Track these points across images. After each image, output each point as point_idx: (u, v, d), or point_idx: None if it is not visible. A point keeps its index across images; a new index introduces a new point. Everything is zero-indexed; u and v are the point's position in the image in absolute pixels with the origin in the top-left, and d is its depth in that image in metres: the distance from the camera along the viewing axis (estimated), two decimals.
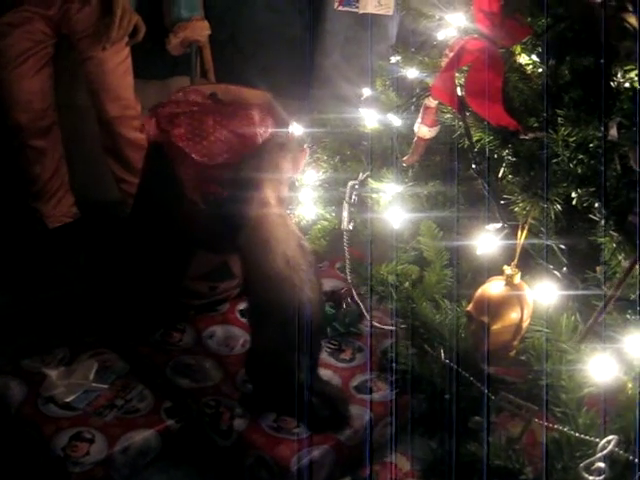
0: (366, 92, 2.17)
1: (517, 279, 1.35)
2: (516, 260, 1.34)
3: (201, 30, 2.67)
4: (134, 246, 2.02)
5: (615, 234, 1.27)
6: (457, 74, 1.44)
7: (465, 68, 1.44)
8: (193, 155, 1.80)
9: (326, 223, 1.89)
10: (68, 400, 1.78)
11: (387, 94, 2.09)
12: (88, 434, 1.70)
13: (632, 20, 1.27)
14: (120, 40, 2.46)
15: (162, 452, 1.77)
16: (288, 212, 1.90)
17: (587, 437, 1.19)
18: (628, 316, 1.34)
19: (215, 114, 1.88)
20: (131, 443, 1.71)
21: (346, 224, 1.78)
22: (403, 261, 1.65)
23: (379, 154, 1.95)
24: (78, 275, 2.31)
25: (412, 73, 1.93)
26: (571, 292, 1.36)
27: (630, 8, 1.28)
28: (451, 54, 1.40)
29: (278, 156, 1.84)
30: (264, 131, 1.87)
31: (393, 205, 1.68)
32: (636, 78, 1.29)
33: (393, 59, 2.05)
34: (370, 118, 1.94)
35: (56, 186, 2.56)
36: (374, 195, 1.74)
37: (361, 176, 1.81)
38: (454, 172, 1.61)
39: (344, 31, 2.74)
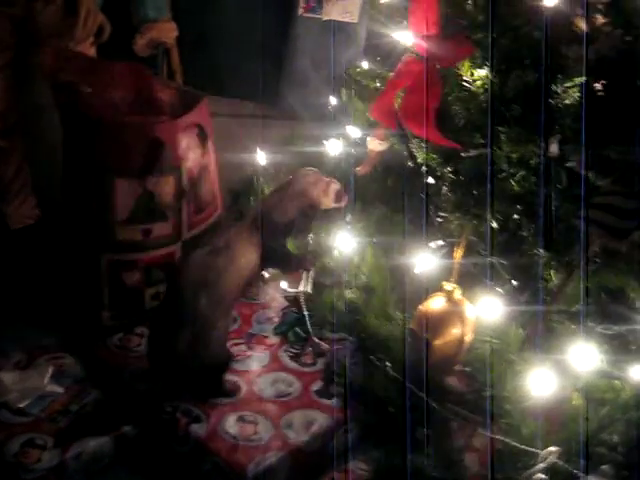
0: (333, 101, 2.18)
1: (457, 295, 1.35)
2: (455, 276, 1.34)
3: (168, 31, 2.65)
4: (64, 205, 2.12)
5: (542, 251, 1.27)
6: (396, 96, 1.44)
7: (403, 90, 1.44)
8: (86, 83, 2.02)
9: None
10: (22, 405, 1.76)
11: (353, 104, 2.10)
12: (40, 440, 1.68)
13: (582, 24, 1.28)
14: (85, 40, 2.44)
15: (117, 458, 1.75)
16: None
17: (530, 448, 1.19)
18: (573, 327, 1.34)
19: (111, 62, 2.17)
20: (85, 449, 1.69)
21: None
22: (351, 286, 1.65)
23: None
24: (38, 276, 2.29)
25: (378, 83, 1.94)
26: (515, 307, 1.36)
27: (580, 12, 1.29)
28: (393, 75, 1.40)
29: None
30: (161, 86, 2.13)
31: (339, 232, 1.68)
32: (576, 95, 1.30)
33: (360, 67, 2.06)
34: (333, 148, 1.95)
35: (18, 187, 2.53)
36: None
37: None
38: (402, 193, 1.62)
39: (313, 35, 2.74)
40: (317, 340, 1.89)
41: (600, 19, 1.40)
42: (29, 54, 2.42)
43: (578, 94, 1.29)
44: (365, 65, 2.04)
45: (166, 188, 2.04)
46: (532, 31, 1.36)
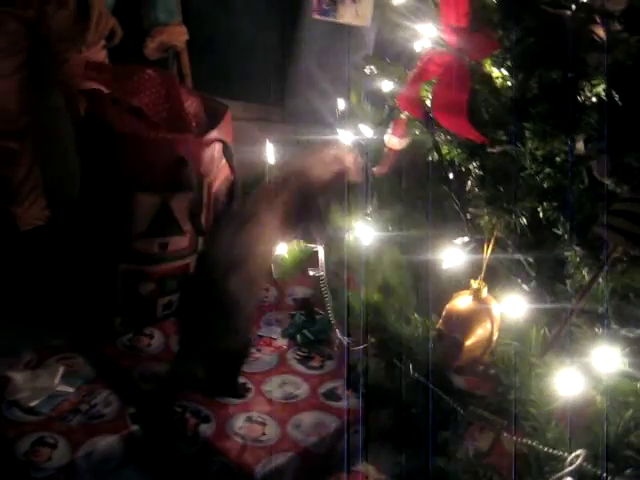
0: (341, 104, 2.19)
1: (484, 293, 1.35)
2: (483, 274, 1.34)
3: (179, 35, 2.66)
4: (81, 211, 2.11)
5: (578, 248, 1.27)
6: (426, 87, 1.44)
7: (433, 81, 1.45)
8: (116, 95, 1.96)
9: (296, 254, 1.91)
10: (32, 404, 1.75)
11: (362, 107, 2.11)
12: (51, 439, 1.68)
13: (600, 32, 1.29)
14: (96, 43, 2.44)
15: (126, 458, 1.75)
16: None
17: (555, 451, 1.19)
18: (597, 330, 1.34)
19: (139, 66, 2.10)
20: (94, 448, 1.69)
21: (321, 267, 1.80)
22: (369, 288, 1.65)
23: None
24: (48, 278, 2.29)
25: (387, 85, 1.94)
26: (539, 305, 1.36)
27: (598, 20, 1.30)
28: (418, 66, 1.41)
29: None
30: (189, 96, 2.10)
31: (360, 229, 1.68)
32: (603, 92, 1.31)
33: (367, 70, 2.07)
34: (346, 138, 1.95)
35: (29, 189, 2.54)
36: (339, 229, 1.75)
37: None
38: (425, 186, 1.62)
39: (321, 40, 2.76)
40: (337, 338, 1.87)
41: (617, 27, 1.41)
42: (42, 57, 2.43)
43: (603, 92, 1.29)
44: (373, 69, 2.05)
45: (186, 204, 2.04)
46: (552, 35, 1.36)
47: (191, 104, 2.15)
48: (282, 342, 2.05)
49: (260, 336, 2.04)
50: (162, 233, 2.05)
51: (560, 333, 1.24)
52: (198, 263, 1.93)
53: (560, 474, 1.14)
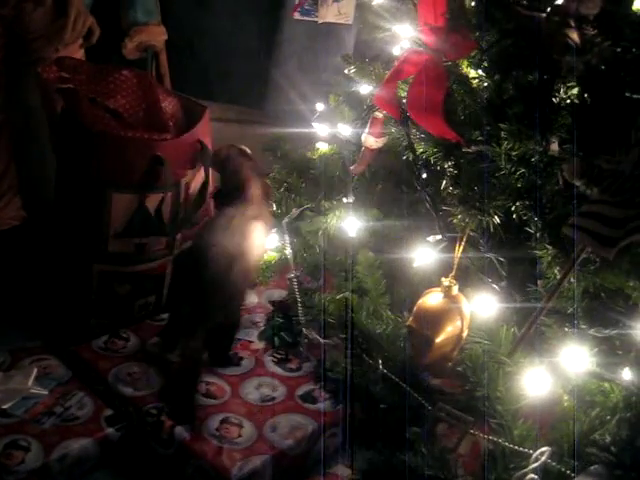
0: (319, 107, 2.19)
1: (455, 291, 1.35)
2: (454, 272, 1.34)
3: (157, 35, 2.65)
4: (57, 211, 2.10)
5: (550, 247, 1.28)
6: (402, 85, 1.44)
7: (409, 80, 1.45)
8: (92, 95, 1.89)
9: (274, 254, 1.92)
10: (5, 407, 1.73)
11: (340, 109, 2.11)
12: (24, 442, 1.66)
13: (574, 36, 1.30)
14: (74, 42, 2.43)
15: (101, 461, 1.74)
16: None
17: (521, 448, 1.20)
18: (566, 329, 1.35)
19: (116, 67, 2.05)
20: (68, 451, 1.67)
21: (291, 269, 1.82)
22: (343, 289, 1.65)
23: (326, 182, 1.98)
24: (22, 278, 2.27)
25: (365, 88, 1.94)
26: (510, 305, 1.37)
27: (572, 24, 1.30)
28: (395, 65, 1.41)
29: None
30: (166, 95, 2.07)
31: (333, 235, 1.69)
32: (574, 97, 1.32)
33: (347, 70, 2.07)
34: (322, 132, 1.96)
35: (4, 188, 2.51)
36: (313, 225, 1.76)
37: (295, 212, 1.84)
38: (399, 184, 1.62)
39: (301, 41, 2.75)
40: (310, 336, 1.87)
41: (590, 31, 1.42)
42: (19, 55, 2.41)
43: (576, 93, 1.30)
44: (352, 70, 2.05)
45: (163, 205, 2.03)
46: (528, 38, 1.37)
47: (169, 104, 2.14)
48: (259, 344, 2.04)
49: (237, 339, 2.03)
50: (138, 234, 2.04)
51: (528, 331, 1.24)
52: (198, 254, 1.87)
53: (524, 470, 1.15)
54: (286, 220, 1.88)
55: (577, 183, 1.26)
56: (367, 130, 1.66)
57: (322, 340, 1.75)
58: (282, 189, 2.06)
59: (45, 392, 1.80)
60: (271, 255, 1.98)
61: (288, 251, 1.85)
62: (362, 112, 1.86)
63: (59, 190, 2.17)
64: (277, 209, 2.01)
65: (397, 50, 1.86)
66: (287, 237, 1.87)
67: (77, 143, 2.05)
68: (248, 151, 1.99)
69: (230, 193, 1.93)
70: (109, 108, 2.01)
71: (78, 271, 2.07)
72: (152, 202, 2.02)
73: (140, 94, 2.07)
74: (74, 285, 2.09)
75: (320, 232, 1.77)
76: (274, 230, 1.97)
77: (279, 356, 2.00)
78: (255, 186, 1.92)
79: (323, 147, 2.05)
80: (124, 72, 2.08)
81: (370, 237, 1.66)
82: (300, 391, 1.88)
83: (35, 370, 1.84)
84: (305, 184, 2.02)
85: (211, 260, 1.76)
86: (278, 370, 1.95)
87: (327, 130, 2.01)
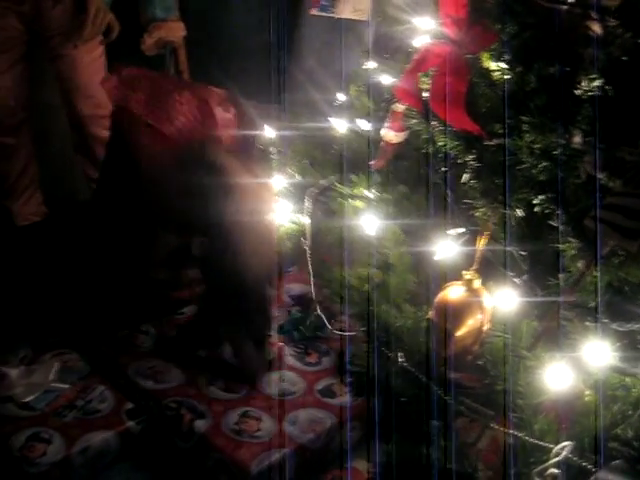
0: (340, 97, 2.18)
1: (476, 284, 1.35)
2: (475, 265, 1.34)
3: (176, 31, 2.65)
4: (97, 233, 2.02)
5: (574, 240, 1.27)
6: (423, 78, 1.44)
7: (431, 72, 1.44)
8: (149, 120, 1.78)
9: (294, 226, 1.89)
10: (27, 400, 1.75)
11: (361, 100, 2.11)
12: (46, 434, 1.67)
13: (595, 27, 1.29)
14: (93, 38, 2.44)
15: (122, 454, 1.75)
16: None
17: (542, 443, 1.19)
18: (588, 323, 1.34)
19: (177, 82, 1.87)
20: (90, 444, 1.68)
21: (307, 240, 1.80)
22: (368, 265, 1.64)
23: (349, 158, 1.96)
24: (44, 273, 2.28)
25: (385, 79, 1.94)
26: (531, 299, 1.36)
27: (594, 16, 1.29)
28: (416, 57, 1.40)
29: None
30: (224, 112, 1.86)
31: (359, 209, 1.68)
32: (595, 91, 1.31)
33: (366, 64, 2.07)
34: (340, 126, 1.95)
35: (25, 184, 2.54)
36: (340, 200, 1.75)
37: (323, 182, 1.81)
38: (421, 177, 1.62)
39: (320, 36, 2.75)
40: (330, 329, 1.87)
41: (612, 22, 1.40)
42: (39, 52, 2.43)
43: (597, 86, 1.29)
44: (372, 64, 2.04)
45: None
46: (549, 30, 1.36)
47: (227, 122, 1.97)
48: (278, 338, 2.04)
49: None
50: (179, 265, 2.05)
51: (550, 325, 1.24)
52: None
53: (545, 465, 1.14)
54: (312, 191, 1.84)
55: (599, 176, 1.25)
56: (387, 124, 1.65)
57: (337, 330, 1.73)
58: (305, 161, 2.04)
59: (66, 386, 1.81)
60: (289, 226, 1.95)
61: (306, 221, 1.82)
62: (381, 105, 1.85)
63: (101, 202, 2.12)
64: (301, 179, 1.99)
65: (417, 43, 1.85)
66: (309, 208, 1.83)
67: (128, 176, 1.96)
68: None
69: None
70: (164, 135, 1.91)
71: (111, 280, 2.05)
72: (196, 242, 2.00)
73: (199, 117, 1.95)
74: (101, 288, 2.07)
75: (347, 206, 1.75)
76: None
77: (298, 350, 2.01)
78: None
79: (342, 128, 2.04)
80: (185, 93, 1.96)
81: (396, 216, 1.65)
82: (319, 385, 1.88)
83: (56, 364, 1.85)
84: (328, 158, 2.00)
85: (243, 270, 1.73)
86: (297, 364, 1.96)
87: (345, 125, 2.00)
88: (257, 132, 1.97)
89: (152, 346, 1.97)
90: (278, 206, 1.95)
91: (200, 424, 1.72)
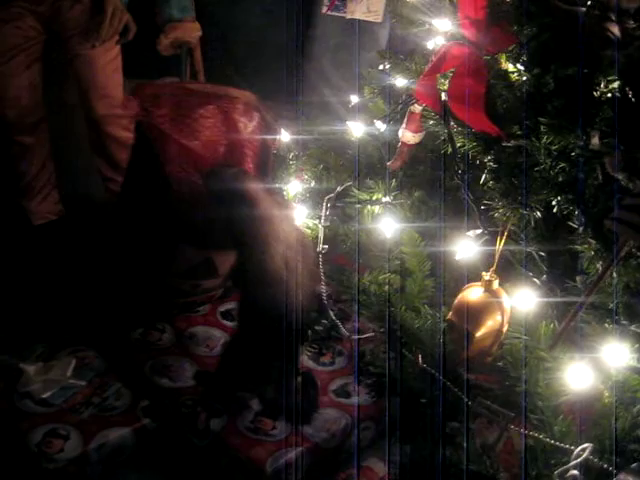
0: (354, 99, 2.19)
1: (495, 285, 1.35)
2: (494, 266, 1.34)
3: (192, 31, 2.66)
4: (118, 240, 2.01)
5: (593, 241, 1.27)
6: (442, 79, 1.44)
7: (450, 73, 1.45)
8: (174, 135, 1.78)
9: (309, 231, 1.90)
10: (44, 396, 1.76)
11: (375, 102, 2.11)
12: (63, 431, 1.68)
13: (614, 29, 1.29)
14: (110, 39, 2.45)
15: (137, 450, 1.75)
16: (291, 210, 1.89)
17: (562, 445, 1.19)
18: (606, 325, 1.34)
19: (200, 95, 1.87)
20: (106, 441, 1.69)
21: (320, 246, 1.80)
22: (385, 270, 1.65)
23: (364, 162, 1.97)
24: (61, 271, 2.30)
25: (400, 81, 1.94)
26: (550, 299, 1.36)
27: (612, 17, 1.29)
28: (435, 58, 1.41)
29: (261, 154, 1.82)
30: (248, 122, 1.85)
31: (376, 214, 1.68)
32: (618, 88, 1.31)
33: (381, 66, 2.07)
34: (356, 129, 1.95)
35: (42, 183, 2.55)
36: (357, 205, 1.75)
37: (339, 188, 1.82)
38: (438, 179, 1.62)
39: (334, 37, 2.76)
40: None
41: (631, 24, 1.40)
42: (57, 52, 2.44)
43: (617, 87, 1.29)
44: (387, 65, 2.05)
45: (227, 258, 2.02)
46: (567, 31, 1.36)
47: (250, 131, 1.96)
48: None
49: None
50: (198, 277, 2.06)
51: (568, 326, 1.24)
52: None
53: (566, 467, 1.14)
54: (329, 197, 1.85)
55: (619, 176, 1.25)
56: (404, 125, 1.66)
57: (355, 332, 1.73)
58: (321, 166, 2.04)
59: (83, 382, 1.82)
60: (306, 232, 1.95)
61: (320, 227, 1.82)
62: (398, 105, 1.85)
63: (124, 209, 2.11)
64: (316, 185, 1.99)
65: (432, 44, 1.85)
66: (325, 213, 1.83)
67: (152, 188, 1.95)
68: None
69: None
70: (190, 149, 1.90)
71: (130, 287, 2.05)
72: (215, 255, 2.02)
73: (223, 130, 1.93)
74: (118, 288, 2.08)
75: (364, 210, 1.75)
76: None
77: (313, 350, 2.01)
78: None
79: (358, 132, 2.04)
80: (210, 107, 1.93)
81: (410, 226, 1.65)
82: (334, 385, 1.88)
83: (74, 361, 1.86)
84: (343, 163, 2.00)
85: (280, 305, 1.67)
86: (311, 364, 1.96)
87: (361, 127, 2.00)
88: (276, 137, 1.96)
89: (168, 343, 1.98)
90: (295, 212, 1.96)
91: (216, 422, 1.73)
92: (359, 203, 1.83)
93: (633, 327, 1.28)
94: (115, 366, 1.90)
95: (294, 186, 2.08)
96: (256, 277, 1.70)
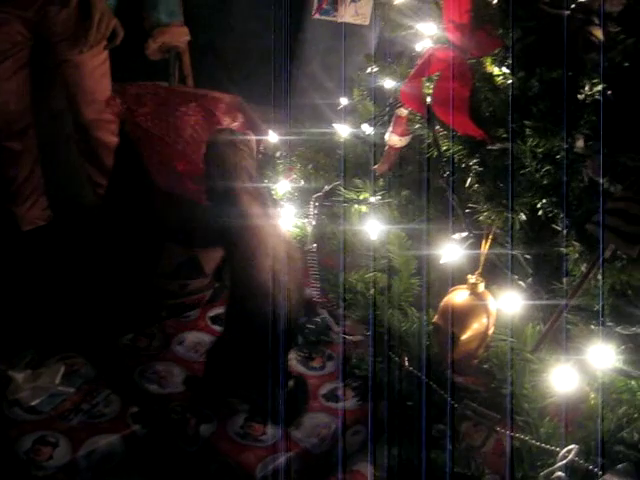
0: (343, 101, 2.19)
1: (481, 288, 1.35)
2: (480, 269, 1.35)
3: (180, 36, 2.67)
4: (104, 240, 2.01)
5: (577, 244, 1.28)
6: (427, 83, 1.45)
7: (435, 76, 1.45)
8: (157, 133, 1.79)
9: (297, 230, 1.89)
10: (33, 404, 1.76)
11: (364, 104, 2.11)
12: (52, 438, 1.68)
13: (597, 33, 1.30)
14: (98, 44, 2.46)
15: (127, 457, 1.75)
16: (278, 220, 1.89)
17: (548, 446, 1.20)
18: (592, 327, 1.35)
19: (182, 95, 1.88)
20: (96, 448, 1.69)
21: (309, 243, 1.80)
22: (372, 269, 1.65)
23: (353, 163, 1.97)
24: (49, 277, 2.29)
25: (388, 83, 1.95)
26: (535, 302, 1.36)
27: (596, 21, 1.30)
28: (420, 61, 1.41)
29: (242, 153, 1.80)
30: (231, 121, 1.86)
31: (364, 214, 1.69)
32: (596, 95, 1.31)
33: (369, 69, 2.08)
34: (343, 131, 1.96)
35: (30, 189, 2.55)
36: (344, 204, 1.75)
37: (327, 187, 1.82)
38: (425, 181, 1.62)
39: (324, 41, 2.77)
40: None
41: (614, 28, 1.41)
42: (44, 58, 2.44)
43: (599, 91, 1.30)
44: (375, 69, 2.05)
45: (212, 256, 2.04)
46: (552, 35, 1.37)
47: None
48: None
49: None
50: (185, 277, 2.06)
51: (552, 327, 1.24)
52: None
53: (552, 468, 1.15)
54: (317, 195, 1.85)
55: (601, 180, 1.26)
56: (391, 128, 1.66)
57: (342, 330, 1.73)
58: (309, 166, 2.05)
59: (72, 389, 1.82)
60: (294, 231, 1.95)
61: (309, 226, 1.82)
62: (385, 109, 1.86)
63: (110, 213, 2.14)
64: (305, 184, 2.00)
65: (420, 47, 1.86)
66: (313, 212, 1.84)
67: (136, 189, 1.98)
68: (239, 137, 1.86)
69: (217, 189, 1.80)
70: (172, 147, 1.92)
71: (118, 290, 2.07)
72: (202, 254, 2.03)
73: (206, 127, 1.95)
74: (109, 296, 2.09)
75: (351, 210, 1.76)
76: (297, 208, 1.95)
77: (303, 354, 2.01)
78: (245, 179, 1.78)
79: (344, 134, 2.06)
80: (192, 105, 1.97)
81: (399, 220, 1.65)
82: (324, 390, 1.88)
83: (62, 367, 1.86)
84: (332, 163, 2.01)
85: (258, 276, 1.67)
86: (301, 368, 1.96)
87: (348, 130, 2.01)
88: (262, 137, 1.97)
89: (158, 349, 1.98)
90: (283, 211, 1.96)
91: (205, 428, 1.73)
92: (346, 202, 1.83)
93: (619, 329, 1.29)
94: (104, 372, 1.89)
95: (283, 185, 2.09)
96: (242, 287, 1.71)
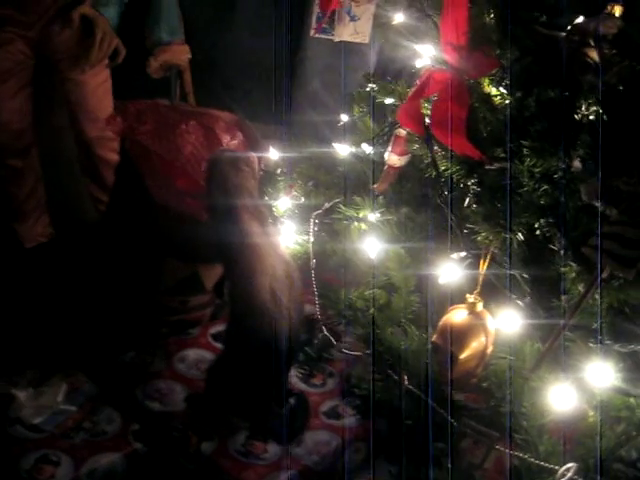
0: (344, 118, 2.21)
1: (479, 307, 1.36)
2: (478, 288, 1.36)
3: (181, 54, 2.69)
4: (106, 257, 2.02)
5: (574, 264, 1.29)
6: (425, 104, 1.46)
7: (433, 98, 1.47)
8: (157, 151, 1.80)
9: (298, 247, 1.91)
10: (36, 422, 1.77)
11: (364, 121, 2.13)
12: (54, 456, 1.69)
13: (593, 54, 1.31)
14: (100, 62, 2.47)
15: (129, 475, 1.75)
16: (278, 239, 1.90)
17: (547, 464, 1.20)
18: (591, 345, 1.36)
19: (182, 112, 1.89)
20: (98, 466, 1.69)
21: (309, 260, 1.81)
22: (372, 286, 1.66)
23: (353, 180, 1.99)
24: (51, 295, 2.30)
25: (388, 101, 1.97)
26: (534, 321, 1.37)
27: (591, 43, 1.32)
28: (418, 82, 1.43)
29: (243, 173, 1.81)
30: (230, 139, 1.88)
31: (363, 231, 1.70)
32: (592, 116, 1.33)
33: (369, 87, 2.09)
34: (343, 150, 1.98)
35: (32, 206, 2.56)
36: (344, 221, 1.77)
37: (327, 205, 1.84)
38: (424, 200, 1.64)
39: (324, 58, 2.78)
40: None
41: (609, 50, 1.43)
42: (47, 76, 2.46)
43: (595, 111, 1.32)
44: (374, 87, 2.07)
45: (213, 272, 2.05)
46: (548, 56, 1.38)
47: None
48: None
49: None
50: (186, 293, 2.07)
51: (552, 346, 1.25)
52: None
53: None
54: (317, 213, 1.87)
55: (596, 204, 1.27)
56: (390, 148, 1.68)
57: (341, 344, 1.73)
58: (310, 183, 2.07)
59: (74, 407, 1.83)
60: (294, 248, 1.96)
61: (310, 243, 1.84)
62: (384, 128, 1.88)
63: (111, 230, 2.19)
64: (305, 201, 2.01)
65: (419, 64, 1.87)
66: (313, 229, 1.85)
67: (138, 205, 2.04)
68: (241, 157, 1.85)
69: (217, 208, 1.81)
70: (172, 164, 1.96)
71: (120, 309, 2.08)
72: (202, 269, 2.04)
73: (206, 144, 2.00)
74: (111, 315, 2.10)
75: (351, 226, 1.77)
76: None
77: (304, 372, 2.02)
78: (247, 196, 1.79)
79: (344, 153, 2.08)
80: (192, 122, 2.01)
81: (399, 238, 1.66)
82: (324, 407, 1.89)
83: (64, 386, 1.87)
84: (332, 180, 2.03)
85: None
86: (302, 386, 1.96)
87: (348, 149, 2.02)
88: (263, 155, 1.99)
89: (160, 367, 1.99)
90: (283, 228, 1.97)
91: (207, 446, 1.73)
92: (346, 220, 1.85)
93: (617, 347, 1.30)
94: (106, 390, 1.90)
95: (283, 202, 2.10)
96: (242, 305, 1.72)
